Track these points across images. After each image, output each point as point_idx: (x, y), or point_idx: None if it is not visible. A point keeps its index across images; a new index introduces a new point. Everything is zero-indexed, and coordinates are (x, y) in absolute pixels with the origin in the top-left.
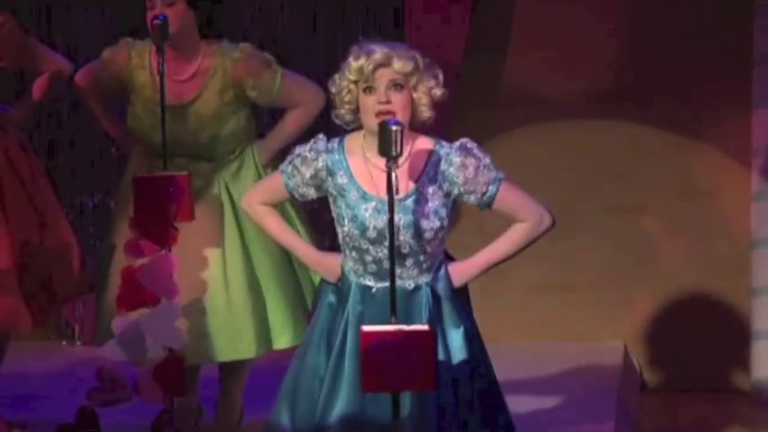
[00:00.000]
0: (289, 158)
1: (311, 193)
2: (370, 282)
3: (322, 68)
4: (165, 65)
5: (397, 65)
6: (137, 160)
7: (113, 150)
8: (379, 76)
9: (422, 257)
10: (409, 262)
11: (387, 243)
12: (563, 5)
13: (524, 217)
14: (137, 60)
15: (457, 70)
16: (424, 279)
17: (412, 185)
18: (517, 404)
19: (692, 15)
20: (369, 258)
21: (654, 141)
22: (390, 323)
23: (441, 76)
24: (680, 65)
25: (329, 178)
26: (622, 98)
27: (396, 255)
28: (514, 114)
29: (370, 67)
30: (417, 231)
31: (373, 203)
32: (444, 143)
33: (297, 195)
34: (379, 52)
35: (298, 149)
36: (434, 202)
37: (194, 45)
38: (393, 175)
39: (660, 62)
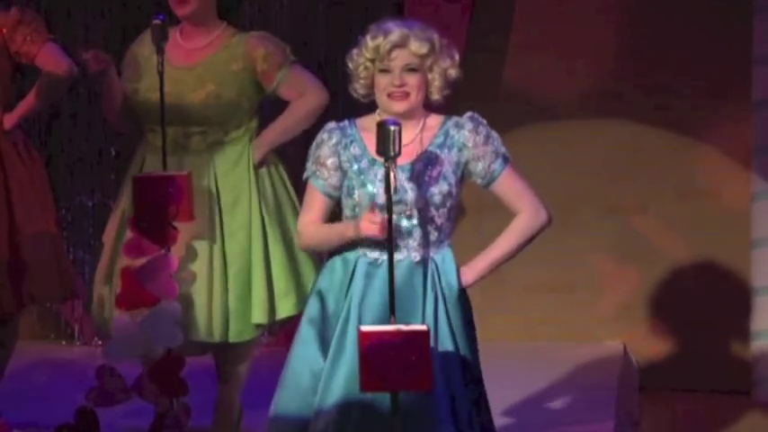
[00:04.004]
0: (307, 163)
1: (339, 181)
2: (374, 254)
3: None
4: (164, 65)
5: (414, 46)
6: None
7: (113, 152)
8: (395, 58)
9: (429, 227)
10: (416, 232)
11: (395, 210)
12: (563, 5)
13: (522, 206)
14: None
15: None
16: (431, 253)
17: (422, 149)
18: (517, 404)
19: (692, 15)
20: None
21: (654, 141)
22: (390, 323)
23: (457, 57)
24: (680, 64)
25: (344, 152)
26: (622, 98)
27: (402, 226)
28: (514, 114)
29: (387, 47)
30: (426, 195)
31: (383, 170)
32: (455, 117)
33: (331, 190)
34: (396, 32)
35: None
36: (444, 167)
37: (212, 22)
38: (392, 174)
39: (660, 62)
